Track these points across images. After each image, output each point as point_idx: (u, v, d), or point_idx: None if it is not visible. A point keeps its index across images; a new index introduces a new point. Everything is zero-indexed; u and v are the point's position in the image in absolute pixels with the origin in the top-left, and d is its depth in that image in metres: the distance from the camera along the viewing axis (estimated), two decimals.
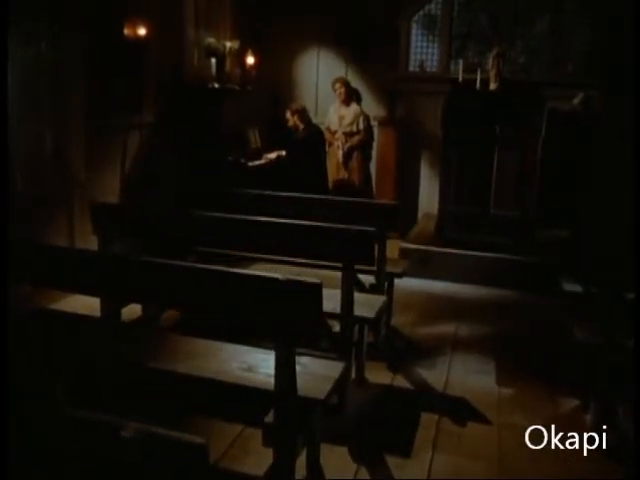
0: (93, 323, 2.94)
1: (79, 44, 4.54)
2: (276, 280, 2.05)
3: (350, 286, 2.98)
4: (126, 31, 5.04)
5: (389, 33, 7.13)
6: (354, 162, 6.89)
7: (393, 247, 5.15)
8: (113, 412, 1.36)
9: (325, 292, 3.47)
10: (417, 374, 3.62)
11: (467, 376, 3.61)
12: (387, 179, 7.12)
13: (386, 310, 3.71)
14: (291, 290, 2.04)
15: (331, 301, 3.20)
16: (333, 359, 2.67)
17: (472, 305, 4.92)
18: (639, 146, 4.91)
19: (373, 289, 3.71)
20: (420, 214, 7.17)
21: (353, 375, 3.38)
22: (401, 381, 3.53)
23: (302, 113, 6.20)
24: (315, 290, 2.03)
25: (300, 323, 2.11)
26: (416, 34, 7.39)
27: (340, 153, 6.87)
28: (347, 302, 2.98)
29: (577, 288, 4.14)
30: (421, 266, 5.44)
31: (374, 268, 3.54)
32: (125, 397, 2.65)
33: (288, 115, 6.25)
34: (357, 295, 3.20)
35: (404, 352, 3.94)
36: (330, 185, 6.76)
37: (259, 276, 2.14)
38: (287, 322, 2.09)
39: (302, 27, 7.27)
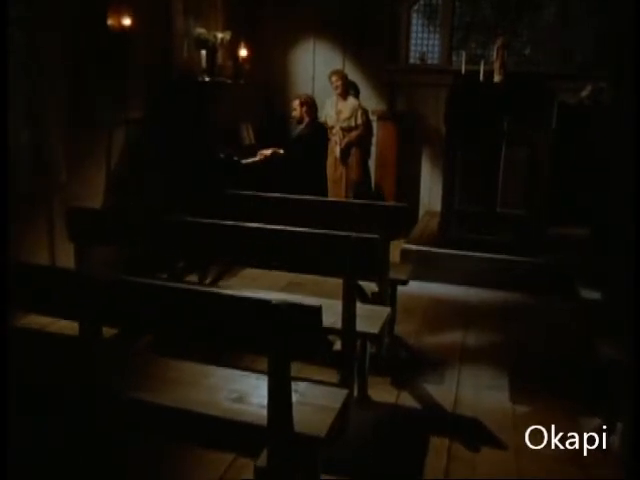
0: (69, 344, 2.64)
1: (58, 33, 4.23)
2: (268, 304, 1.76)
3: (352, 300, 2.70)
4: (110, 21, 4.73)
5: (388, 23, 6.84)
6: (352, 158, 6.63)
7: (394, 248, 4.87)
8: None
9: (324, 302, 3.23)
10: (424, 390, 3.34)
11: (478, 392, 3.34)
12: (387, 176, 6.83)
13: (389, 320, 3.43)
14: (286, 316, 1.75)
15: (331, 314, 2.92)
16: (334, 385, 2.40)
17: (479, 310, 4.64)
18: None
19: (375, 298, 3.43)
20: (421, 212, 6.89)
21: (355, 393, 3.10)
22: (407, 399, 3.25)
23: (311, 105, 5.93)
24: (314, 315, 1.75)
25: (297, 351, 1.83)
26: (416, 24, 7.11)
27: (338, 149, 6.60)
28: (348, 317, 2.69)
29: (595, 295, 3.88)
30: (424, 268, 5.16)
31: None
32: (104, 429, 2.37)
33: (296, 104, 5.95)
34: (359, 307, 2.92)
35: (409, 365, 3.67)
36: (328, 183, 6.49)
37: (250, 299, 1.85)
38: (282, 352, 1.81)
39: (297, 17, 6.98)
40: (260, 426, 1.97)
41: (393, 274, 3.59)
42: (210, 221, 3.01)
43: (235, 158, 5.59)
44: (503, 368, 3.62)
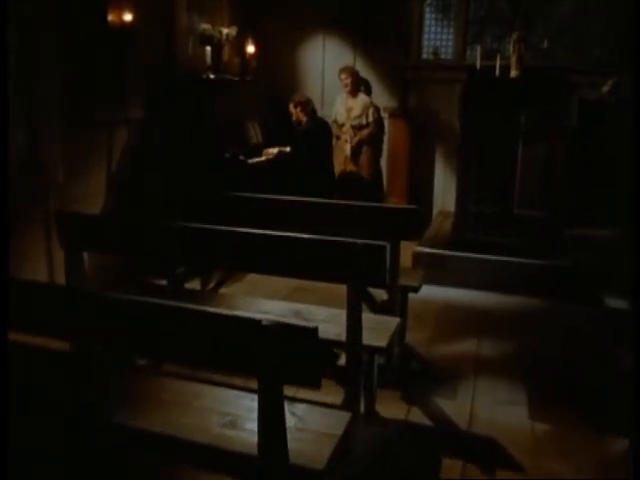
0: (55, 360, 2.47)
1: (56, 30, 4.06)
2: (258, 324, 1.57)
3: (357, 311, 2.50)
4: (110, 17, 4.57)
5: (400, 18, 6.61)
6: (363, 157, 6.45)
7: (405, 250, 4.66)
8: None
9: (330, 312, 3.05)
10: (436, 406, 3.13)
11: (494, 408, 3.12)
12: (399, 175, 6.62)
13: (400, 330, 3.23)
14: (277, 338, 1.56)
15: (335, 324, 2.74)
16: (336, 407, 2.20)
17: (495, 317, 4.41)
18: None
19: (385, 307, 3.23)
20: (435, 212, 6.66)
21: (362, 408, 2.90)
22: (418, 415, 3.04)
23: (304, 105, 5.73)
24: (309, 337, 1.55)
25: (290, 376, 1.64)
26: (429, 18, 6.86)
27: (348, 147, 6.41)
28: (354, 331, 2.50)
29: (620, 303, 3.65)
30: (437, 272, 4.95)
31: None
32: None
33: (291, 108, 5.79)
34: (366, 317, 2.72)
35: (420, 377, 3.46)
36: (337, 182, 6.29)
37: (238, 318, 1.66)
38: (273, 377, 1.62)
39: (306, 12, 6.77)
40: (252, 456, 1.79)
41: (404, 281, 3.38)
42: (208, 227, 2.82)
43: (241, 158, 5.41)
44: (521, 381, 3.40)
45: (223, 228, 2.78)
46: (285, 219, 3.50)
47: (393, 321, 2.87)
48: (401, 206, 3.27)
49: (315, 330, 1.56)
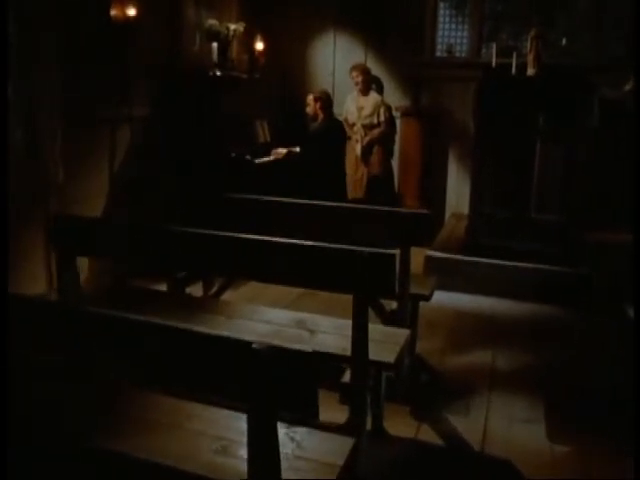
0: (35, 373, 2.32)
1: (56, 26, 3.92)
2: (248, 347, 1.40)
3: (363, 324, 2.32)
4: (113, 11, 4.42)
5: (414, 14, 6.41)
6: (374, 157, 6.25)
7: (416, 255, 4.47)
8: None
9: (333, 322, 2.86)
10: (447, 423, 2.95)
11: (510, 426, 2.93)
12: (411, 176, 6.43)
13: (410, 341, 3.04)
14: (269, 365, 1.39)
15: (341, 337, 2.56)
16: (339, 427, 2.03)
17: (511, 326, 4.21)
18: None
19: (394, 317, 3.05)
20: (448, 214, 6.46)
21: (368, 425, 2.72)
22: (428, 433, 2.86)
23: (325, 101, 5.54)
24: (305, 363, 1.38)
25: (285, 405, 1.47)
26: (444, 14, 6.66)
27: (359, 147, 6.22)
28: (360, 345, 2.32)
29: None
30: (450, 277, 4.76)
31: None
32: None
33: (310, 100, 5.59)
34: (373, 329, 2.54)
35: (431, 391, 3.28)
36: (347, 184, 6.12)
37: (227, 340, 1.48)
38: (263, 408, 1.45)
39: (316, 8, 6.60)
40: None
41: (414, 289, 3.20)
42: (206, 232, 2.65)
43: (247, 157, 5.24)
44: (538, 397, 3.20)
45: (222, 234, 2.60)
46: (289, 223, 3.33)
47: (402, 333, 2.68)
48: (412, 210, 3.08)
49: (312, 356, 1.39)
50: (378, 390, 2.71)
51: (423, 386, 3.34)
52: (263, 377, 1.41)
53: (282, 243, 2.38)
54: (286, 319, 2.79)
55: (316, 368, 1.40)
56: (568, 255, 4.60)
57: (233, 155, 5.15)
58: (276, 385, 1.41)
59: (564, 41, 6.20)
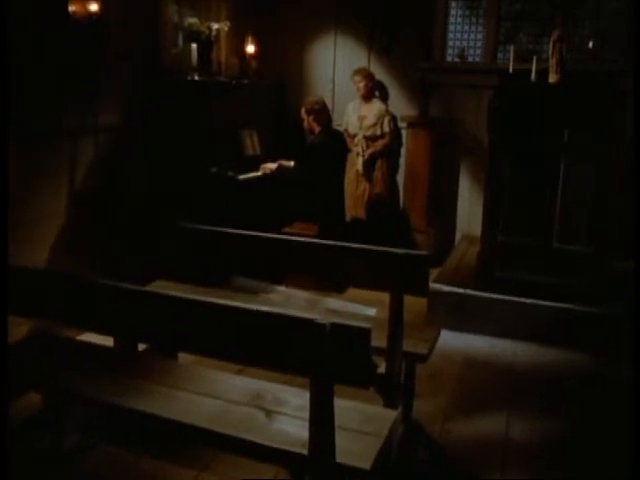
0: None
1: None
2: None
3: (326, 418, 1.69)
4: (72, 7, 3.86)
5: (422, 14, 5.81)
6: (377, 172, 5.74)
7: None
8: None
9: (300, 396, 2.24)
10: None
11: None
12: (418, 192, 5.81)
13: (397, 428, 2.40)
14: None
15: (305, 422, 1.94)
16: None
17: (530, 379, 3.56)
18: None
19: (383, 383, 2.42)
20: (458, 237, 5.82)
21: None
22: None
23: (319, 112, 4.89)
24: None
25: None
26: (455, 15, 6.04)
27: (360, 161, 5.66)
28: (322, 442, 1.69)
29: None
30: (458, 315, 4.13)
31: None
32: None
33: (303, 114, 4.96)
34: (347, 408, 1.92)
35: (428, 472, 2.64)
36: (347, 201, 5.52)
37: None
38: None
39: (316, 7, 6.02)
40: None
41: (409, 345, 2.56)
42: (150, 291, 2.04)
43: (230, 173, 4.64)
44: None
45: (161, 292, 1.98)
46: (261, 261, 2.73)
47: (387, 417, 2.01)
48: (404, 251, 2.44)
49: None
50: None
51: (419, 465, 2.69)
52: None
53: (221, 306, 1.75)
54: (238, 391, 2.16)
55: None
56: (596, 292, 3.94)
57: (213, 170, 4.55)
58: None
59: (591, 44, 5.58)
